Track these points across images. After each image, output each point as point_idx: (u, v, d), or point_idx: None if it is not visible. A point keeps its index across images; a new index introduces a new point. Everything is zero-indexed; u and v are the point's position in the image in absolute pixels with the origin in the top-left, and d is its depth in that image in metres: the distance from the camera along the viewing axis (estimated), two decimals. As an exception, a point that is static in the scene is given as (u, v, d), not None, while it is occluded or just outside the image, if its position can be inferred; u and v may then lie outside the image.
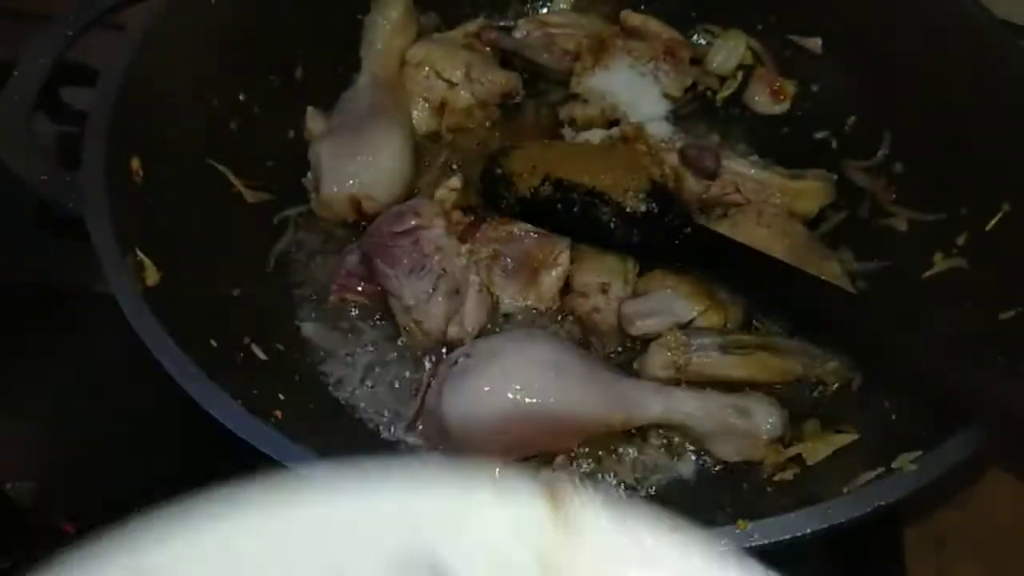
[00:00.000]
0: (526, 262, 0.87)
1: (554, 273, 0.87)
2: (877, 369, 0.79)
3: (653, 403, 0.77)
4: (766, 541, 0.58)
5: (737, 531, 0.58)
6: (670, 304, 0.83)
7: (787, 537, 0.59)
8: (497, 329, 0.88)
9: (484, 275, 0.86)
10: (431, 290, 0.84)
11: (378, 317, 0.88)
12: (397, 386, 0.85)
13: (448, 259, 0.85)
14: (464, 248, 0.86)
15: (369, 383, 0.85)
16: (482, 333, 0.86)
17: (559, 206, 0.88)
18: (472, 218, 0.88)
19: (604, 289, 0.85)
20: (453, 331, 0.84)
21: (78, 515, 0.89)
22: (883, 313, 0.78)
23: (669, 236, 0.86)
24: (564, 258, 0.87)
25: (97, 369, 1.00)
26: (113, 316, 1.00)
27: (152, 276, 0.71)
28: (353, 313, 0.89)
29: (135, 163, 0.77)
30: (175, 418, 0.86)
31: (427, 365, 0.85)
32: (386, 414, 0.83)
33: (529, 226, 0.88)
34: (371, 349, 0.87)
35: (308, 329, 0.88)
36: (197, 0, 0.88)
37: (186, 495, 0.86)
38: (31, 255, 1.08)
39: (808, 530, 0.59)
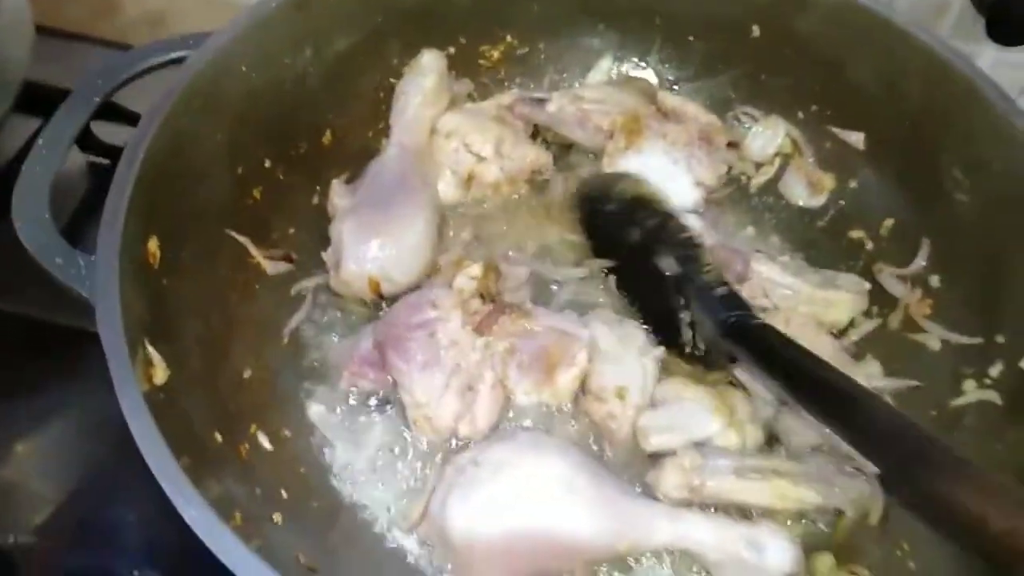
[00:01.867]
0: (543, 358, 0.85)
1: (571, 372, 0.85)
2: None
3: (662, 529, 0.75)
4: None
5: None
6: (688, 420, 0.81)
7: None
8: (509, 421, 0.86)
9: (499, 369, 0.84)
10: (444, 386, 0.82)
11: (389, 407, 0.86)
12: (402, 482, 0.83)
13: (463, 354, 0.84)
14: (480, 341, 0.84)
15: (374, 477, 0.83)
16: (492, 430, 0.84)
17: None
18: (491, 307, 0.86)
19: (621, 395, 0.83)
20: (464, 429, 0.82)
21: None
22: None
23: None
24: (582, 358, 0.84)
25: (110, 414, 1.00)
26: None
27: (160, 374, 0.69)
28: (363, 400, 0.87)
29: (152, 244, 0.76)
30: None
31: (436, 460, 0.83)
32: (389, 513, 0.81)
33: (549, 321, 0.86)
34: (378, 440, 0.85)
35: (315, 412, 0.86)
36: (230, 66, 0.86)
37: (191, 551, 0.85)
38: (35, 290, 1.08)
39: None
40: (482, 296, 0.88)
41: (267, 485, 0.74)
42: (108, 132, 1.14)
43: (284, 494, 0.76)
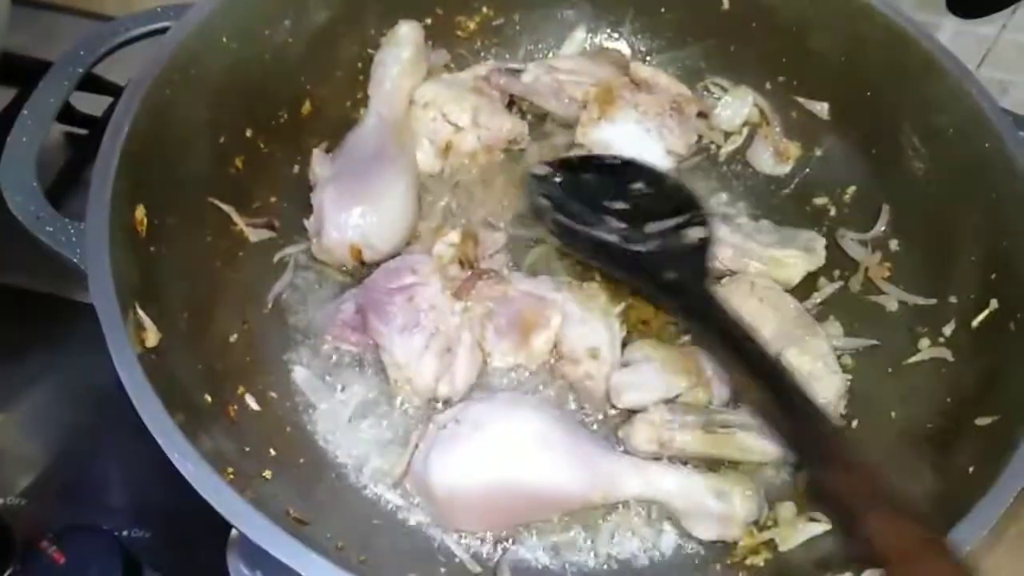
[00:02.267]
0: (518, 322, 0.88)
1: (544, 335, 0.88)
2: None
3: (633, 481, 0.79)
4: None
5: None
6: (657, 378, 0.85)
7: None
8: (486, 381, 0.89)
9: (477, 332, 0.88)
10: (423, 348, 0.85)
11: (370, 369, 0.89)
12: (385, 440, 0.86)
13: (442, 317, 0.86)
14: (458, 306, 0.87)
15: (357, 436, 0.86)
16: (472, 390, 0.87)
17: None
18: (469, 273, 0.89)
19: (594, 355, 0.87)
20: (443, 389, 0.86)
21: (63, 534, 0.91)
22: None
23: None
24: (556, 322, 0.88)
25: (93, 380, 1.02)
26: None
27: (151, 337, 0.72)
28: (346, 362, 0.90)
29: (139, 212, 0.78)
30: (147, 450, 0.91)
31: (417, 417, 0.87)
32: (372, 471, 0.84)
33: (524, 286, 0.89)
34: (361, 401, 0.88)
35: (300, 375, 0.89)
36: (211, 37, 0.88)
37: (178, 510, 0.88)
38: (26, 262, 1.09)
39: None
40: (461, 262, 0.91)
41: (256, 443, 0.77)
42: (85, 102, 1.15)
43: (272, 452, 0.79)
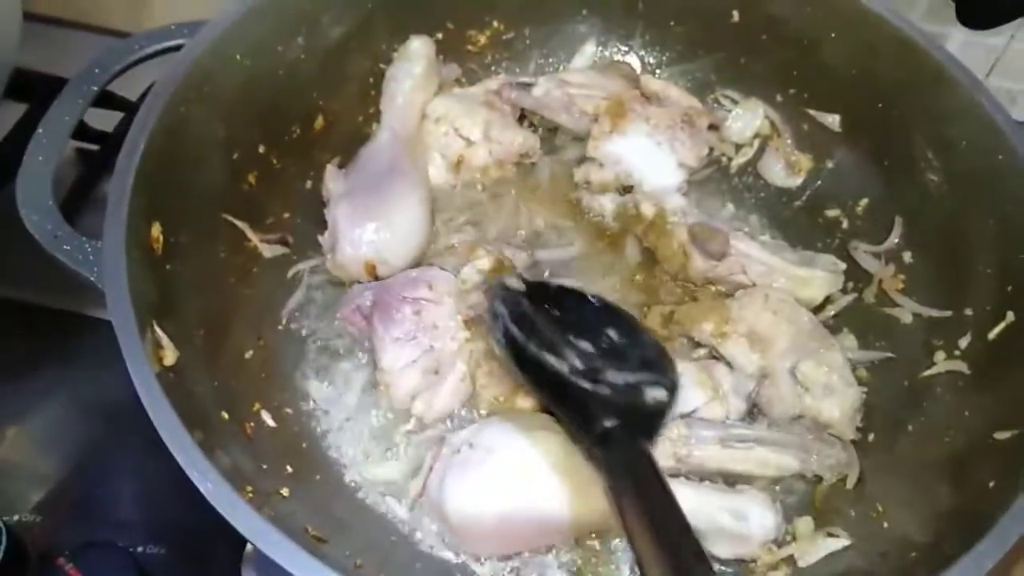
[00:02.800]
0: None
1: (530, 403, 0.86)
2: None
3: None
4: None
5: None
6: (674, 393, 0.84)
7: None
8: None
9: (472, 368, 0.87)
10: (410, 361, 0.85)
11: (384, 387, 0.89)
12: (401, 460, 0.86)
13: (441, 339, 0.86)
14: (463, 333, 0.87)
15: (371, 451, 0.86)
16: (454, 418, 0.88)
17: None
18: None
19: None
20: (418, 407, 0.86)
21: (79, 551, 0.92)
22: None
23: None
24: None
25: (106, 396, 1.02)
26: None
27: (169, 356, 0.72)
28: (362, 380, 0.90)
29: (155, 230, 0.78)
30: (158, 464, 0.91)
31: (431, 442, 0.86)
32: (388, 491, 0.84)
33: None
34: (377, 420, 0.88)
35: (314, 390, 0.89)
36: (225, 54, 0.88)
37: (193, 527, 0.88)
38: (38, 278, 1.09)
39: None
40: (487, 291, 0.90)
41: (273, 460, 0.77)
42: (96, 118, 1.15)
43: (289, 468, 0.79)
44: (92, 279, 0.73)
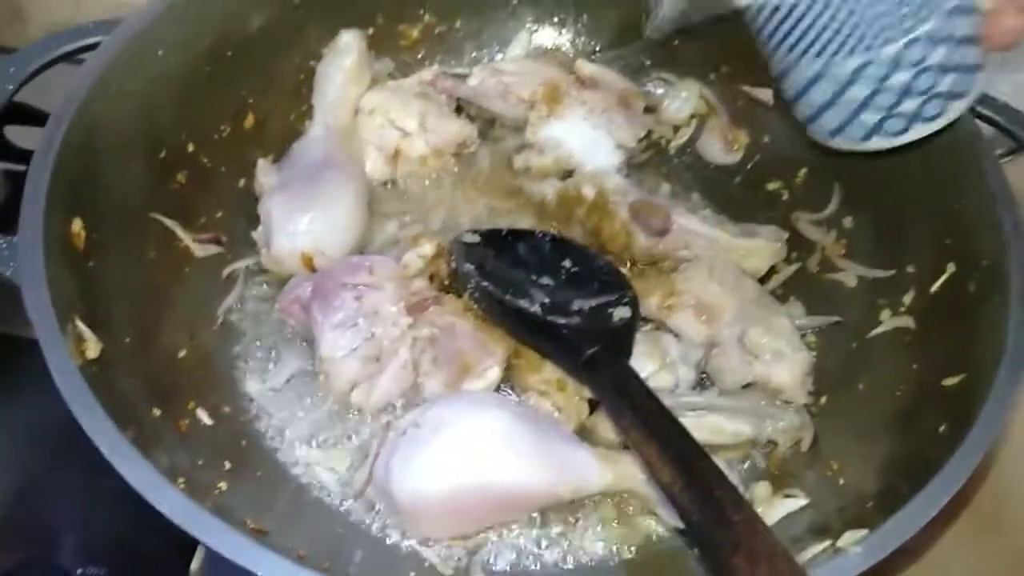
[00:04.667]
0: (457, 360, 0.84)
1: (478, 385, 0.84)
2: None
3: (602, 473, 0.77)
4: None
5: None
6: (621, 365, 0.83)
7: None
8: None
9: (415, 355, 0.85)
10: (350, 349, 0.83)
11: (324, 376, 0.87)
12: (343, 448, 0.84)
13: (382, 325, 0.84)
14: (405, 320, 0.85)
15: (315, 445, 0.84)
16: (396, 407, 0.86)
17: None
18: (433, 293, 0.87)
19: (561, 387, 0.84)
20: (356, 397, 0.83)
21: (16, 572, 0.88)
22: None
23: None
24: (492, 374, 0.85)
25: (48, 419, 0.98)
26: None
27: (92, 349, 0.69)
28: (302, 373, 0.87)
29: (76, 225, 0.76)
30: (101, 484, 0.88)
31: (376, 431, 0.84)
32: (332, 482, 0.81)
33: (470, 325, 0.86)
34: (318, 412, 0.85)
35: (253, 387, 0.87)
36: (145, 50, 0.86)
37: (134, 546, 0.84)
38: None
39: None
40: (431, 277, 0.89)
41: (209, 456, 0.74)
42: (21, 136, 1.13)
43: (227, 464, 0.76)
44: (7, 275, 0.70)
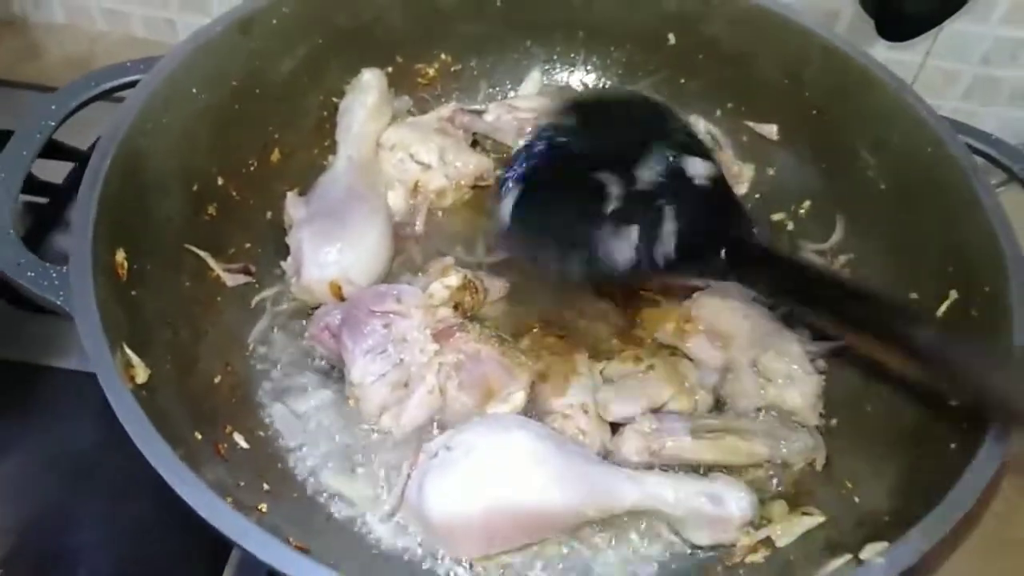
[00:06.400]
0: (481, 385, 0.88)
1: (504, 408, 0.88)
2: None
3: (628, 492, 0.80)
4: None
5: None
6: (642, 390, 0.87)
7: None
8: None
9: (441, 380, 0.87)
10: (380, 375, 0.86)
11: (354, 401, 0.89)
12: (376, 474, 0.86)
13: (410, 352, 0.87)
14: (432, 347, 0.88)
15: (343, 470, 0.86)
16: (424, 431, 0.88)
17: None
18: (457, 322, 0.90)
19: (585, 410, 0.87)
20: (386, 420, 0.86)
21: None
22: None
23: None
24: (517, 398, 0.88)
25: (67, 446, 1.00)
26: (84, 393, 0.99)
27: (141, 374, 0.71)
28: (329, 400, 0.90)
29: (120, 256, 0.78)
30: (148, 497, 0.89)
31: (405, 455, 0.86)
32: (365, 504, 0.83)
33: (495, 351, 0.89)
34: (349, 433, 0.88)
35: (284, 412, 0.89)
36: (180, 88, 0.90)
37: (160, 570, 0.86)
38: (3, 331, 1.07)
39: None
40: (456, 307, 0.92)
41: (249, 478, 0.77)
42: (46, 170, 1.15)
43: (266, 486, 0.78)
44: (59, 303, 0.72)
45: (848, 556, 0.69)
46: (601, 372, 0.92)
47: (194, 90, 0.91)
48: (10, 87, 1.38)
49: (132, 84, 0.89)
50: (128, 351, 0.72)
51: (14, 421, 1.03)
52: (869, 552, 0.67)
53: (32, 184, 1.17)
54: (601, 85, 1.18)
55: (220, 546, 0.89)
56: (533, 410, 0.89)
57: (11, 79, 1.39)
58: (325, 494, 0.84)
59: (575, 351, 0.93)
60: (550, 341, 0.95)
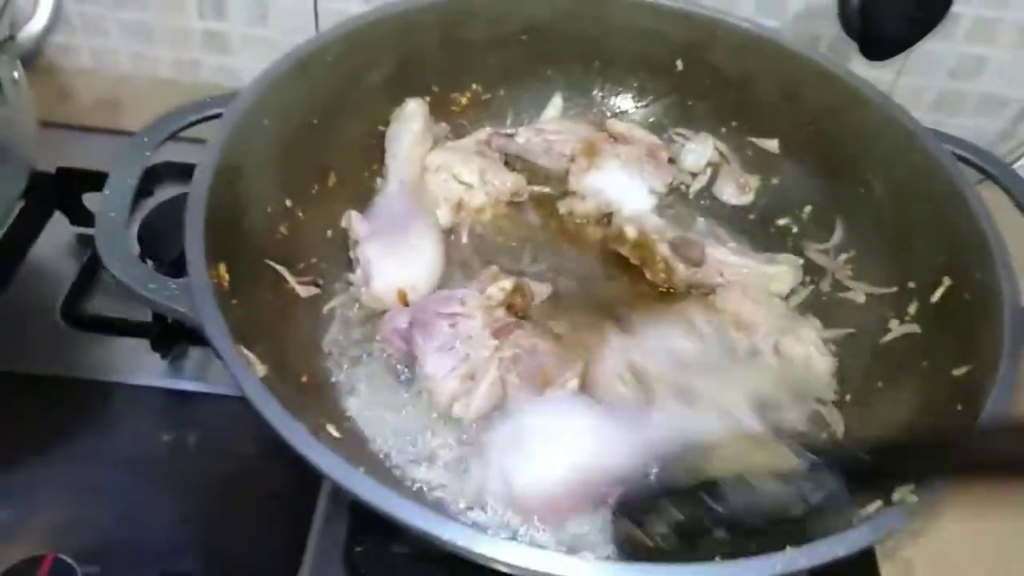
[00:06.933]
0: (538, 375, 0.98)
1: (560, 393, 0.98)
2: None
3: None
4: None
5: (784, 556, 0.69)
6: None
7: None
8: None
9: (502, 371, 0.98)
10: (451, 369, 0.96)
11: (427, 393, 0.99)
12: (449, 461, 0.94)
13: (475, 348, 0.98)
14: (492, 343, 0.98)
15: (423, 459, 0.95)
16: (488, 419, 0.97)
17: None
18: (512, 319, 1.01)
19: (623, 380, 0.98)
20: (457, 409, 0.96)
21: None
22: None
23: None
24: (572, 384, 0.98)
25: (119, 460, 1.07)
26: (134, 406, 1.12)
27: (260, 370, 0.80)
28: (403, 397, 1.00)
29: (222, 268, 0.88)
30: (198, 509, 1.00)
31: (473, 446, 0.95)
32: (448, 488, 0.92)
33: (550, 345, 1.00)
34: (420, 422, 0.97)
35: (361, 407, 0.98)
36: (255, 120, 1.00)
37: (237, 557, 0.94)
38: (58, 348, 1.15)
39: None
40: (510, 307, 1.03)
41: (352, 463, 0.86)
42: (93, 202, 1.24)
43: (362, 471, 0.87)
44: (183, 311, 0.81)
45: (879, 502, 0.79)
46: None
47: (266, 121, 1.01)
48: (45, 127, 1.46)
49: (217, 116, 0.98)
50: (246, 351, 0.81)
51: (77, 436, 1.10)
52: (900, 493, 0.77)
53: (82, 215, 1.26)
54: (615, 110, 1.30)
55: (293, 540, 0.98)
56: (583, 391, 1.00)
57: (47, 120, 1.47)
58: (410, 480, 0.93)
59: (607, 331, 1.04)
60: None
